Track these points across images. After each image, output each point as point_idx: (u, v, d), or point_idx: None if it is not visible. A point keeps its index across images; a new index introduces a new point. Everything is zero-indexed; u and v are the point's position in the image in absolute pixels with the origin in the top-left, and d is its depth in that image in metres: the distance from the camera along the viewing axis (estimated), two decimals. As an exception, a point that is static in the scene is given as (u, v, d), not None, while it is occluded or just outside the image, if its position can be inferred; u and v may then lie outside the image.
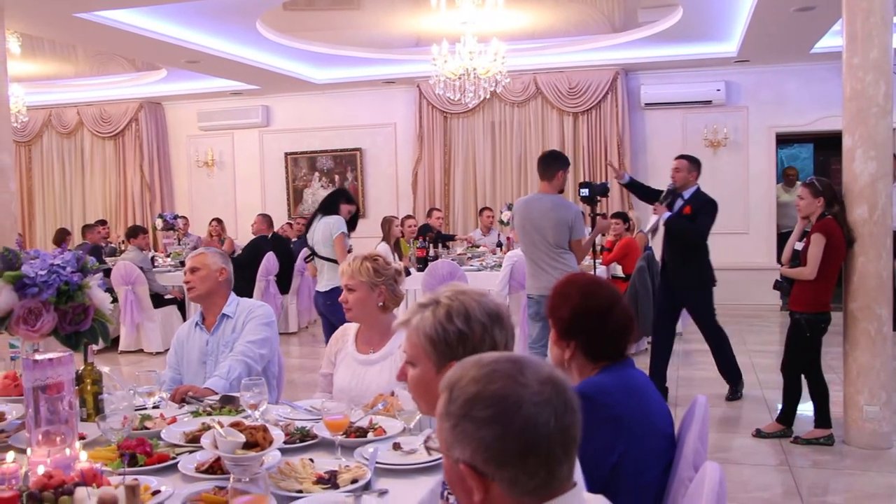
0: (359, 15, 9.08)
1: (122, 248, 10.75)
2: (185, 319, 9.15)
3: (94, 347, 2.96)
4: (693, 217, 6.35)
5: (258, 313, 3.72)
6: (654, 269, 8.66)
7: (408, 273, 7.98)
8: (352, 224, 7.14)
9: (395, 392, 2.98)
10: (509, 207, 9.74)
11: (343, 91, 12.46)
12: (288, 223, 11.64)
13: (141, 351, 9.18)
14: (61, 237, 11.15)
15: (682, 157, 6.66)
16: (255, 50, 10.15)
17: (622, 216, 9.17)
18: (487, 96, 9.09)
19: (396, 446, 2.58)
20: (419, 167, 12.25)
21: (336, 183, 12.67)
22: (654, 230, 6.95)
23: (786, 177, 11.92)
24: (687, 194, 6.46)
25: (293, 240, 10.86)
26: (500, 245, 10.14)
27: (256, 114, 12.93)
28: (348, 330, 3.57)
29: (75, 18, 7.67)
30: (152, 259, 10.00)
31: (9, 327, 2.54)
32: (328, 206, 7.03)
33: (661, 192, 6.67)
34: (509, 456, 1.29)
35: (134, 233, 9.53)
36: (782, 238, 9.22)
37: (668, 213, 6.40)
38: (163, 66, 11.49)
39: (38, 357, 2.38)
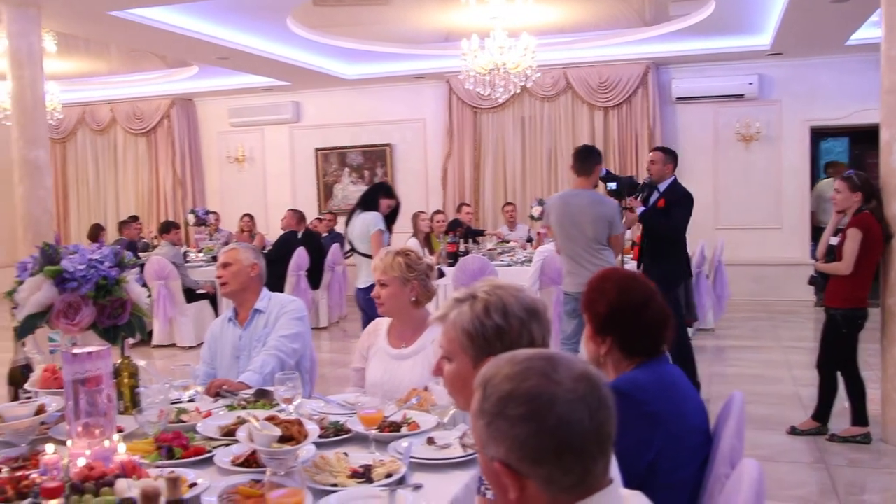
0: (388, 10, 9.08)
1: (155, 243, 10.86)
2: (217, 314, 9.23)
3: (130, 341, 3.00)
4: (667, 210, 6.22)
5: (290, 308, 3.74)
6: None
7: (441, 275, 7.92)
8: (392, 218, 7.06)
9: (429, 387, 2.98)
10: (540, 202, 9.70)
11: (372, 87, 12.48)
12: (318, 218, 11.69)
13: (174, 345, 9.27)
14: (96, 233, 11.30)
15: (657, 149, 6.56)
16: (286, 46, 10.20)
17: (654, 211, 9.08)
18: (518, 91, 9.06)
19: (430, 441, 2.58)
20: (449, 162, 12.25)
21: (366, 178, 12.69)
22: (628, 226, 6.84)
23: (836, 172, 11.67)
24: (662, 187, 6.35)
25: (324, 235, 10.91)
26: (530, 240, 10.12)
27: (287, 110, 12.99)
28: (380, 325, 3.58)
29: (109, 16, 7.74)
30: (184, 254, 10.09)
31: (49, 321, 2.58)
32: (367, 202, 6.96)
33: (636, 184, 6.60)
34: (544, 454, 1.29)
35: (166, 228, 9.62)
36: (818, 233, 9.08)
37: (642, 208, 6.30)
38: (194, 63, 11.58)
39: (77, 350, 2.41)
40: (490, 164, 12.12)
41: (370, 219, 6.77)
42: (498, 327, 1.99)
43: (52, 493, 1.83)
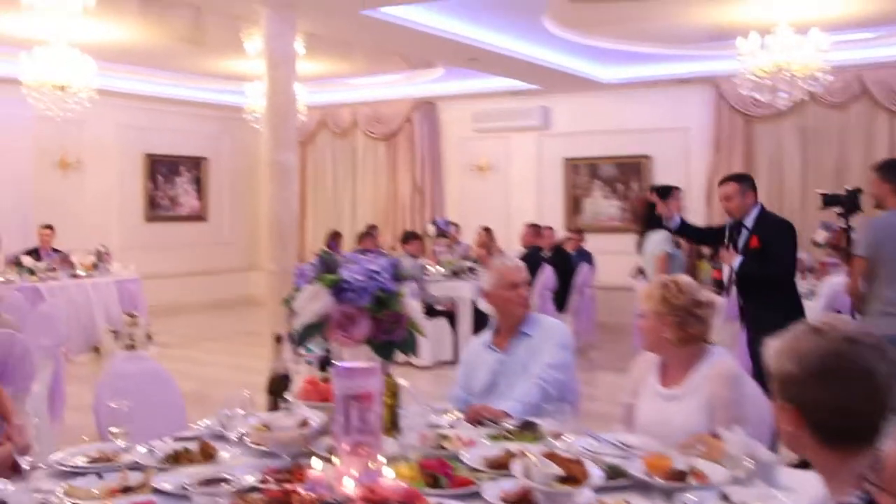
0: (653, 6, 8.92)
1: (393, 253, 11.29)
2: (456, 334, 9.43)
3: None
4: (765, 249, 5.50)
5: (556, 333, 3.76)
6: None
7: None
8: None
9: (720, 433, 2.85)
10: (826, 227, 9.12)
11: (629, 91, 12.36)
12: (567, 236, 11.66)
13: (409, 364, 9.51)
14: (332, 239, 11.90)
15: (729, 179, 5.79)
16: (538, 46, 10.33)
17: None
18: (806, 97, 8.62)
19: (724, 497, 2.47)
20: (716, 177, 11.87)
21: (619, 193, 12.57)
22: (730, 282, 6.02)
23: None
24: (749, 221, 5.62)
25: (572, 252, 10.90)
26: (811, 270, 9.54)
27: (534, 115, 13.11)
28: (650, 358, 3.48)
29: (361, 16, 8.21)
30: (422, 267, 10.39)
31: (325, 332, 2.72)
32: (649, 221, 6.62)
33: (722, 229, 5.88)
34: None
35: (408, 238, 9.99)
36: None
37: (739, 258, 5.59)
38: (440, 65, 11.99)
39: (348, 365, 2.53)
40: (764, 180, 11.55)
41: (657, 239, 6.50)
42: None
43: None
